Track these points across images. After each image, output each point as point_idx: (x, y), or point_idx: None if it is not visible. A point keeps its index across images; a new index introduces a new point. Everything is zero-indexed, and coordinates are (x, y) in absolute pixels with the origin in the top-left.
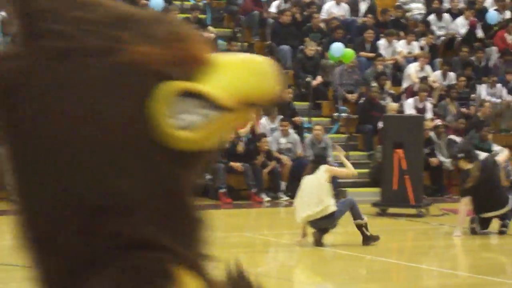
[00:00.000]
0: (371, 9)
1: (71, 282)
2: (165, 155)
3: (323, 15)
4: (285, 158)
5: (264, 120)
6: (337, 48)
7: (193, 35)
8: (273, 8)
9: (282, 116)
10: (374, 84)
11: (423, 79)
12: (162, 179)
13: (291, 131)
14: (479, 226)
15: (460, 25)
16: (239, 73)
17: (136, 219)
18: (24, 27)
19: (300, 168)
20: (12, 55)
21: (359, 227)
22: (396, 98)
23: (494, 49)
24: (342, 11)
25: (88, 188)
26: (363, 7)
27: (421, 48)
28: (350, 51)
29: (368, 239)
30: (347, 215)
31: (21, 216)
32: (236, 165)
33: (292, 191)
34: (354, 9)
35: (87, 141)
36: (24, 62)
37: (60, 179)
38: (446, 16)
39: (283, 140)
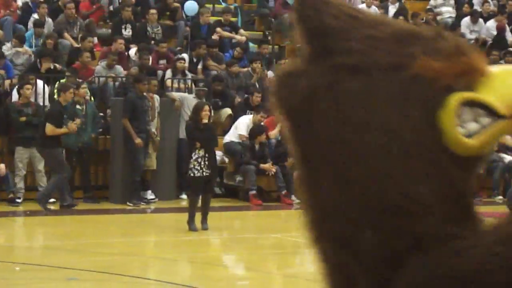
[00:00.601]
0: (401, 12)
1: (370, 276)
2: (454, 160)
3: None
4: None
5: None
6: None
7: (472, 48)
8: None
9: None
10: None
11: None
12: (452, 182)
13: None
14: None
15: (491, 29)
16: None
17: (433, 219)
18: (314, 46)
19: None
20: (302, 72)
21: None
22: None
23: None
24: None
25: (387, 192)
26: (392, 10)
27: None
28: None
29: None
30: None
31: (311, 215)
32: (268, 166)
33: None
34: (384, 13)
35: (381, 148)
36: (317, 78)
37: (358, 183)
38: (480, 19)
39: None
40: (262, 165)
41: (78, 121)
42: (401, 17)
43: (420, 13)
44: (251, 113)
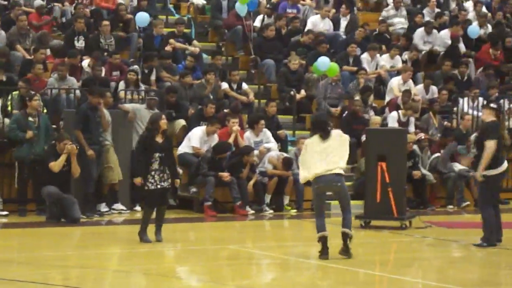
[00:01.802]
0: (352, 24)
1: None
2: None
3: (308, 29)
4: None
5: (248, 133)
6: (324, 62)
7: None
8: (257, 23)
9: (267, 130)
10: (357, 97)
11: (406, 93)
12: None
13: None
14: None
15: (445, 39)
16: None
17: None
18: None
19: (284, 182)
20: None
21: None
22: (379, 112)
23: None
24: (326, 25)
25: None
26: (344, 22)
27: (404, 62)
28: (335, 65)
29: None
30: (337, 227)
31: None
32: (225, 175)
33: (276, 204)
34: (337, 24)
35: None
36: None
37: None
38: (434, 30)
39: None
40: (220, 173)
41: (30, 133)
42: (353, 29)
43: (371, 24)
44: (204, 124)
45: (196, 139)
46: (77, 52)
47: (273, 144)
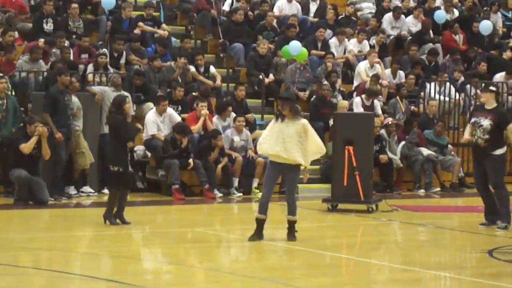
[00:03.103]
0: (321, 8)
1: None
2: None
3: (275, 12)
4: (236, 155)
5: (215, 119)
6: (296, 46)
7: None
8: (226, 7)
9: (234, 114)
10: (325, 82)
11: (374, 77)
12: None
13: (244, 129)
14: None
15: (411, 24)
16: None
17: None
18: None
19: (251, 165)
20: None
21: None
22: (347, 96)
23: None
24: (294, 9)
25: None
26: (314, 6)
27: (372, 46)
28: (304, 50)
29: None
30: (304, 210)
31: None
32: (188, 161)
33: (244, 187)
34: (305, 8)
35: None
36: None
37: None
38: (402, 16)
39: (236, 138)
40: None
41: None
42: (321, 14)
43: (340, 8)
44: (173, 107)
45: (151, 125)
46: (53, 39)
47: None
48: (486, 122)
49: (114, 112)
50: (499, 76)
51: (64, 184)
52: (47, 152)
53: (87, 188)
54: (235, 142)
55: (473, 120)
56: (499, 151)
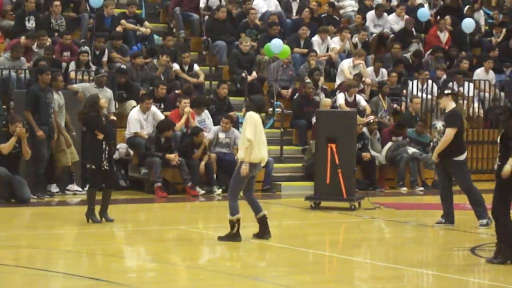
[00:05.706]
0: (304, 6)
1: None
2: None
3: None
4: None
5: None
6: (277, 44)
7: None
8: (201, 4)
9: (215, 110)
10: (308, 80)
11: (356, 76)
12: None
13: (233, 128)
14: None
15: (394, 22)
16: None
17: None
18: None
19: (227, 162)
20: None
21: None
22: (330, 94)
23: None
24: (271, 6)
25: None
26: (295, 5)
27: (354, 45)
28: (287, 48)
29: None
30: (287, 208)
31: None
32: (173, 156)
33: (226, 184)
34: (288, 6)
35: None
36: None
37: None
38: (385, 13)
39: (222, 135)
40: (167, 155)
41: None
42: (304, 11)
43: (323, 6)
44: (156, 106)
45: (134, 123)
46: (34, 34)
47: (209, 122)
48: (439, 124)
49: (89, 111)
50: (480, 71)
51: (47, 182)
52: (27, 152)
53: (73, 186)
54: (220, 138)
55: (432, 123)
56: (461, 157)
